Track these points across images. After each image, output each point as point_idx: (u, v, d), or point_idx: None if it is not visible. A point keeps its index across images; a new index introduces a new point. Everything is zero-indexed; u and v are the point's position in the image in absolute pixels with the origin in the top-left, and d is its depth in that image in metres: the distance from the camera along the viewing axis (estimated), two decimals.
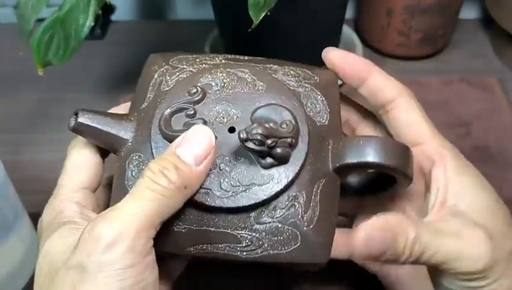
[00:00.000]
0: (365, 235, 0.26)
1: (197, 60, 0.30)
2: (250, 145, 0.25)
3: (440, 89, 0.55)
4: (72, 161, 0.29)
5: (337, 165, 0.27)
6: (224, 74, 0.28)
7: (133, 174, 0.27)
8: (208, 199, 0.26)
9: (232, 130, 0.27)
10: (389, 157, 0.27)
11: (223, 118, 0.27)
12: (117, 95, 0.54)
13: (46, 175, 0.51)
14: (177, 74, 0.29)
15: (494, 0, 0.57)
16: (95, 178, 0.29)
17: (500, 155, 0.49)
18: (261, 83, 0.28)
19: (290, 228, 0.26)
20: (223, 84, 0.28)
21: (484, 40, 0.63)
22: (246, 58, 0.30)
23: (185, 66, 0.29)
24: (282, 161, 0.26)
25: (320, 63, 0.31)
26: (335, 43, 0.54)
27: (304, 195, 0.26)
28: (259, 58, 0.31)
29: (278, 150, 0.26)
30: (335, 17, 0.50)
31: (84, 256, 0.23)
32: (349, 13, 0.64)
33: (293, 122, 0.26)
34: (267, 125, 0.26)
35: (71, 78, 0.56)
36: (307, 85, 0.29)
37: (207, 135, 0.26)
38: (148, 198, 0.24)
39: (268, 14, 0.34)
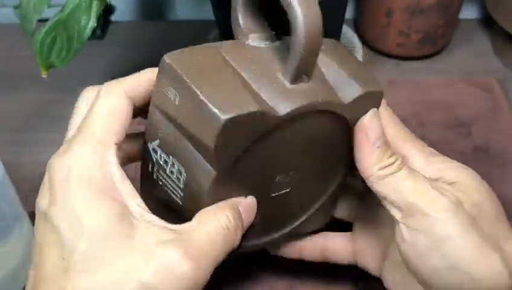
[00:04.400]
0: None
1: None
2: None
3: (440, 89, 0.55)
4: (107, 106, 0.25)
5: None
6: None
7: None
8: None
9: None
10: None
11: None
12: None
13: None
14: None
15: (494, 0, 0.58)
16: (124, 133, 0.26)
17: (500, 155, 0.49)
18: None
19: None
20: None
21: (484, 40, 0.63)
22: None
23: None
24: None
25: None
26: None
27: None
28: None
29: None
30: (335, 17, 0.50)
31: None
32: (349, 13, 0.64)
33: None
34: None
35: (71, 79, 0.56)
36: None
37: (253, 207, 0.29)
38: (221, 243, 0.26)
39: None
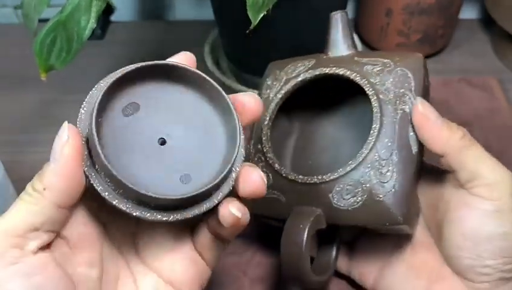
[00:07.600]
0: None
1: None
2: None
3: (440, 89, 0.55)
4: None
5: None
6: None
7: None
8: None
9: None
10: None
11: None
12: None
13: None
14: None
15: (494, 0, 0.58)
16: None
17: (500, 155, 0.49)
18: None
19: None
20: None
21: (484, 40, 0.63)
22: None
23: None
24: None
25: None
26: None
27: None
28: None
29: None
30: None
31: None
32: (349, 13, 0.64)
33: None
34: None
35: (71, 79, 0.56)
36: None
37: (64, 131, 0.24)
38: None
39: (266, 13, 0.34)
